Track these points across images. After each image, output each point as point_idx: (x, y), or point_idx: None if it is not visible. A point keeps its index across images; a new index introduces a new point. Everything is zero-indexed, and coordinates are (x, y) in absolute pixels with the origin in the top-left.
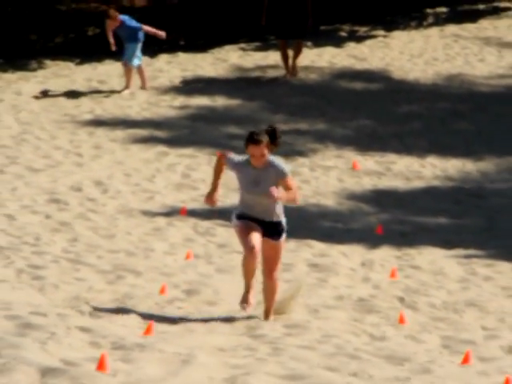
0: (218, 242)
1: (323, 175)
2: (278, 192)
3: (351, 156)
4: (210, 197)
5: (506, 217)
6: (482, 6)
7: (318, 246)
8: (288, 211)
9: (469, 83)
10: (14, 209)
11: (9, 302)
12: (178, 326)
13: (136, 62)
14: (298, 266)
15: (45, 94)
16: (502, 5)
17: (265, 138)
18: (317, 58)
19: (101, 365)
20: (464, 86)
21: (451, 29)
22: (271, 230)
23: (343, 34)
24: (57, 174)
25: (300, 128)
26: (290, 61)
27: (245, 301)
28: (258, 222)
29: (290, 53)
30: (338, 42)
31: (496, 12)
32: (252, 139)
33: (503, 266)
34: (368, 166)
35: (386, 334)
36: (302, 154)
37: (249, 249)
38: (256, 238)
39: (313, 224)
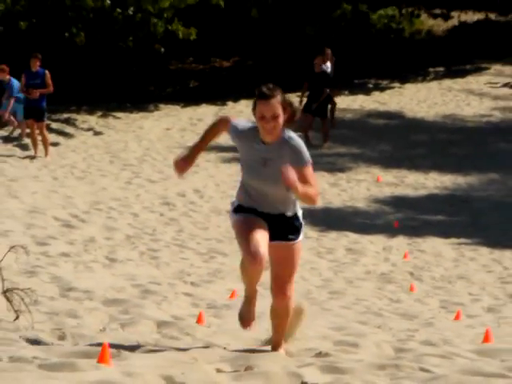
0: None
1: (356, 186)
2: (293, 175)
3: (376, 172)
4: (184, 160)
5: (486, 216)
6: (468, 67)
7: (352, 236)
8: (329, 211)
9: (459, 120)
10: (138, 209)
11: (134, 274)
12: None
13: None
14: (339, 250)
15: (161, 128)
16: (483, 66)
17: (280, 94)
18: (351, 103)
19: (199, 319)
20: (456, 123)
21: (446, 82)
22: (283, 228)
23: (370, 85)
24: (168, 185)
25: (340, 152)
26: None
27: (248, 318)
28: (264, 217)
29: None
30: (367, 91)
31: (478, 71)
32: (261, 93)
33: (484, 250)
34: (388, 179)
35: (401, 298)
36: (341, 170)
37: (251, 255)
38: (261, 237)
39: (348, 220)
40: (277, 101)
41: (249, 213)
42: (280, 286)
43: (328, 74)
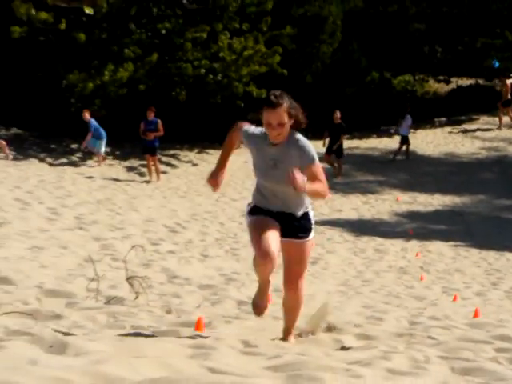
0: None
1: (382, 203)
2: (301, 178)
3: (396, 193)
4: (214, 177)
5: (476, 226)
6: (463, 117)
7: (379, 239)
8: (362, 221)
9: (456, 157)
10: (224, 219)
11: (221, 266)
12: None
13: (100, 150)
14: (369, 250)
15: (240, 161)
16: (474, 117)
17: (286, 102)
18: (378, 144)
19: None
20: (454, 159)
21: (447, 129)
22: (294, 227)
23: (391, 131)
24: (245, 202)
25: (369, 179)
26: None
27: (261, 306)
28: (277, 216)
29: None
30: (389, 135)
31: (470, 120)
32: (268, 101)
33: (474, 250)
34: (405, 199)
35: (414, 285)
36: (371, 192)
37: (262, 254)
38: (272, 237)
39: (376, 228)
40: (283, 109)
41: (263, 213)
42: (291, 281)
43: (343, 125)
